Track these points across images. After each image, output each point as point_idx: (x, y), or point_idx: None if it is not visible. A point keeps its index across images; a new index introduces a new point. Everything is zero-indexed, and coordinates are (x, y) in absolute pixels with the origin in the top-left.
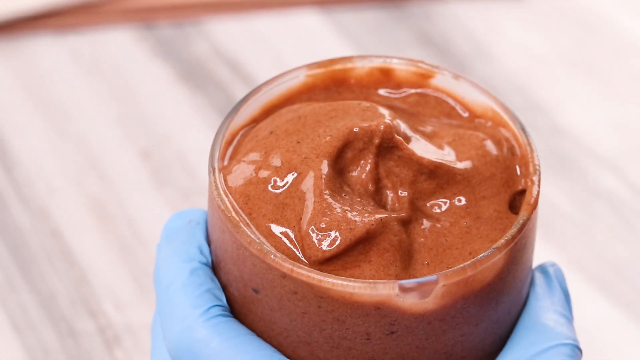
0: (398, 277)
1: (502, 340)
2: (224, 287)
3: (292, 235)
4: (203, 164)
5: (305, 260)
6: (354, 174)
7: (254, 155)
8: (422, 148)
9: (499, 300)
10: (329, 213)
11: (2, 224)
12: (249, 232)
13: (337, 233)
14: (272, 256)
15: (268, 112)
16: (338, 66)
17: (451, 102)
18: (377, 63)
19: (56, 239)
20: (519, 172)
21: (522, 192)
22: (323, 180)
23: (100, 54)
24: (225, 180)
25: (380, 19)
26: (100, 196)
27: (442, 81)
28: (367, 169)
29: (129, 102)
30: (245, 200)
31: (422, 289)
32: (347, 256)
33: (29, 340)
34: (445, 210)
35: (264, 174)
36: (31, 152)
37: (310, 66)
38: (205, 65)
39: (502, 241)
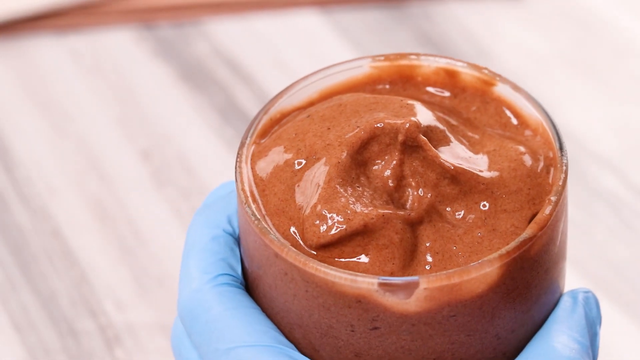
0: (393, 275)
1: (505, 358)
2: (242, 261)
3: (296, 218)
4: (203, 164)
5: (303, 245)
6: (377, 167)
7: (285, 135)
8: (451, 152)
9: (495, 315)
10: (332, 201)
11: (3, 223)
12: (254, 207)
13: (335, 221)
14: (268, 235)
15: (326, 97)
16: (404, 61)
17: (508, 113)
18: (443, 64)
19: (56, 238)
20: (548, 192)
21: None
22: (337, 169)
23: (101, 54)
24: (252, 156)
25: (380, 19)
26: (101, 196)
27: (503, 91)
28: (391, 165)
29: (129, 102)
30: (262, 177)
31: (403, 289)
32: (345, 246)
33: (30, 339)
34: (462, 217)
35: (286, 154)
36: (32, 152)
37: (375, 57)
38: (206, 66)
39: (495, 254)
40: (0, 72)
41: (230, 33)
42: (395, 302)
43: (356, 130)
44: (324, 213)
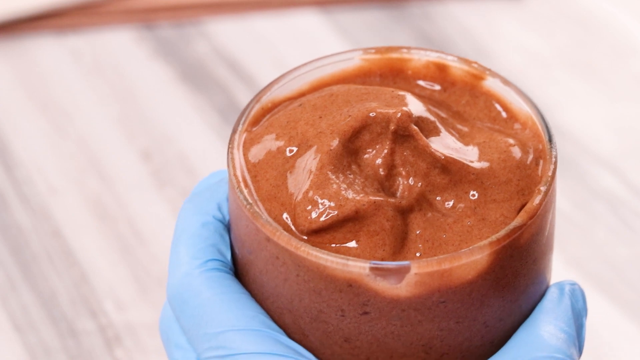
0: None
1: (493, 346)
2: (231, 247)
3: (287, 204)
4: (203, 163)
5: (295, 230)
6: (368, 156)
7: (276, 123)
8: (442, 143)
9: (484, 303)
10: (324, 187)
11: (3, 223)
12: (245, 193)
13: (327, 207)
14: (260, 219)
15: (317, 88)
16: (395, 55)
17: (498, 106)
18: (433, 57)
19: (57, 238)
20: (537, 183)
21: None
22: (329, 156)
23: (101, 54)
24: (244, 143)
25: (379, 19)
26: (101, 196)
27: (493, 85)
28: (382, 153)
29: (129, 103)
30: (254, 163)
31: (394, 274)
32: (336, 232)
33: (30, 339)
34: (452, 206)
35: (277, 141)
36: (32, 152)
37: (366, 50)
38: (206, 66)
39: (486, 241)
40: (1, 71)
41: (230, 33)
42: (386, 287)
43: (348, 119)
44: (315, 199)
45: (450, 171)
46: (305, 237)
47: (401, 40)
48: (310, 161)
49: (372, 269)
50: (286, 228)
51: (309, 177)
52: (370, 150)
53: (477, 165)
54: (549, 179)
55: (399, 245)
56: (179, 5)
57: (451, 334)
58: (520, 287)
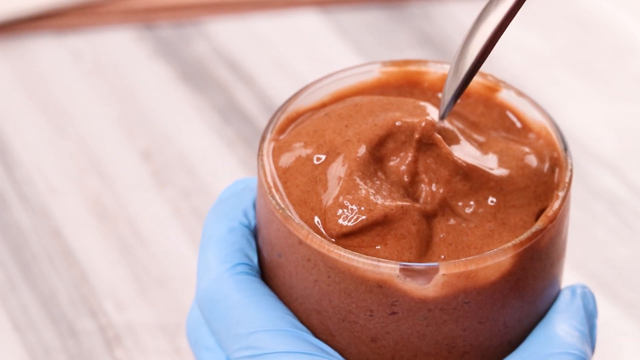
0: None
1: (510, 346)
2: (259, 251)
3: (318, 208)
4: (203, 164)
5: (325, 233)
6: (392, 163)
7: (304, 132)
8: (463, 151)
9: (505, 304)
10: (354, 192)
11: (3, 223)
12: (277, 197)
13: (357, 212)
14: (292, 222)
15: (338, 99)
16: (412, 67)
17: (512, 117)
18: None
19: (57, 238)
20: (554, 189)
21: None
22: (357, 163)
23: (101, 54)
24: (273, 150)
25: (379, 19)
26: (101, 196)
27: (507, 96)
28: (406, 161)
29: (129, 103)
30: (284, 170)
31: (423, 274)
32: (365, 235)
33: (30, 339)
34: (473, 211)
35: (306, 149)
36: (32, 152)
37: (384, 63)
38: (206, 66)
39: (509, 244)
40: (1, 71)
41: (230, 33)
42: (415, 287)
43: (374, 128)
44: (346, 204)
45: (471, 178)
46: (333, 240)
47: (401, 40)
48: (339, 168)
49: (402, 270)
50: (316, 231)
51: (338, 183)
52: (394, 157)
53: (496, 172)
54: (567, 185)
55: (424, 249)
56: (179, 5)
57: (473, 333)
58: (539, 289)
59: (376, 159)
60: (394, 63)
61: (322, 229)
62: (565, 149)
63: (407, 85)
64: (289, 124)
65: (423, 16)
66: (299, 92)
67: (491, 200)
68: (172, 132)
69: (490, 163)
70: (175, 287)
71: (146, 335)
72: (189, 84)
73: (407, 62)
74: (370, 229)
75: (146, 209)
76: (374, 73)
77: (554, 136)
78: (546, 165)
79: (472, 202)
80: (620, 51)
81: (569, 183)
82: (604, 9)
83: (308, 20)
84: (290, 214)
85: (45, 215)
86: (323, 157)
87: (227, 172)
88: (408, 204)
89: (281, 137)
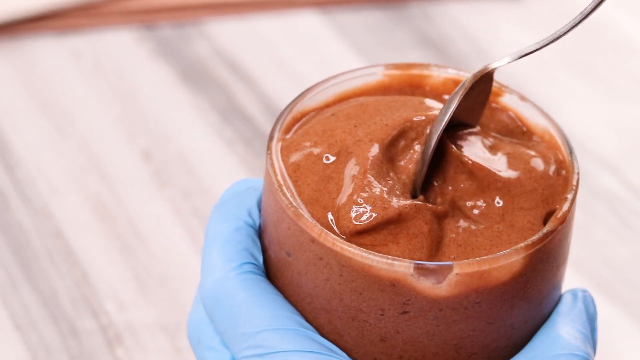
0: None
1: (516, 348)
2: (264, 250)
3: (330, 207)
4: (203, 164)
5: (337, 231)
6: (402, 163)
7: (312, 132)
8: (471, 151)
9: (514, 305)
10: (367, 190)
11: (4, 223)
12: (288, 195)
13: (371, 210)
14: (304, 220)
15: (340, 100)
16: (415, 71)
17: (516, 121)
18: (452, 74)
19: (58, 238)
20: (560, 192)
21: None
22: (370, 162)
23: (101, 54)
24: (281, 149)
25: (379, 19)
26: (102, 196)
27: (510, 101)
28: (415, 159)
29: (130, 103)
30: (294, 169)
31: (437, 273)
32: (377, 234)
33: (31, 339)
34: (482, 213)
35: (316, 148)
36: (33, 152)
37: (387, 66)
38: (206, 66)
39: (521, 245)
40: (2, 72)
41: (231, 33)
42: (428, 286)
43: (385, 127)
44: (360, 202)
45: (479, 178)
46: (344, 238)
47: (401, 41)
48: (351, 167)
49: (416, 268)
50: (329, 229)
51: (352, 182)
52: (404, 156)
53: (504, 174)
54: (574, 187)
55: (435, 249)
56: (179, 5)
57: (482, 334)
58: (545, 291)
59: (387, 158)
60: (397, 66)
61: (334, 227)
62: (571, 152)
63: (409, 88)
64: (294, 123)
65: (423, 16)
66: (304, 93)
67: (499, 202)
68: (172, 132)
69: (498, 165)
70: (176, 287)
71: (147, 335)
72: (189, 84)
73: (410, 66)
74: (384, 228)
75: (146, 209)
76: (377, 76)
77: (558, 140)
78: (552, 168)
79: (480, 204)
80: (620, 51)
81: (577, 186)
82: (603, 9)
83: (308, 21)
84: (303, 213)
85: (46, 215)
86: (334, 156)
87: (227, 172)
88: (421, 203)
89: (287, 136)
